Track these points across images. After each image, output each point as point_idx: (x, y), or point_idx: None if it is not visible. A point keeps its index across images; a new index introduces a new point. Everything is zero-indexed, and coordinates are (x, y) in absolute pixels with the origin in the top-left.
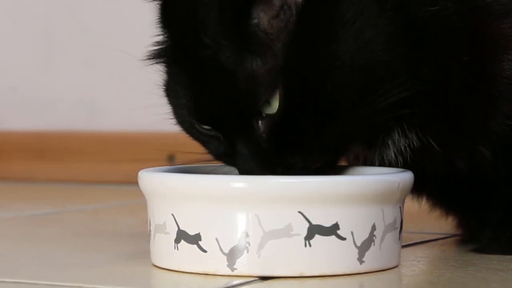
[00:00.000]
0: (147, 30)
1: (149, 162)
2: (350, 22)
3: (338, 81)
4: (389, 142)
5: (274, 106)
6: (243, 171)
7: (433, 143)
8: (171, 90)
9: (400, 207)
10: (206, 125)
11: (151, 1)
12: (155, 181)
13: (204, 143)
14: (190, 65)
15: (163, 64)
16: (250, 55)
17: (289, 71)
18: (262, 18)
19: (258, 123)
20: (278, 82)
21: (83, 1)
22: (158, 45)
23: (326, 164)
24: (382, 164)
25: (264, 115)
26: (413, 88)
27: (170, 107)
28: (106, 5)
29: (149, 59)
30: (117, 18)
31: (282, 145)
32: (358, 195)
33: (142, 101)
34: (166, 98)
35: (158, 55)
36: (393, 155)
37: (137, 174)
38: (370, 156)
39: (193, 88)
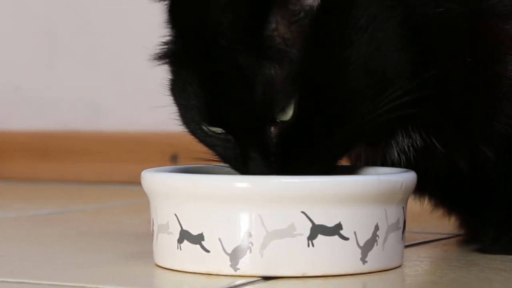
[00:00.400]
0: (150, 30)
1: (152, 162)
2: (363, 27)
3: (351, 86)
4: (392, 142)
5: (289, 113)
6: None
7: (436, 143)
8: (179, 91)
9: (403, 207)
10: (218, 127)
11: (157, 1)
12: (158, 181)
13: (209, 145)
14: (203, 68)
15: (170, 64)
16: (267, 61)
17: (305, 78)
18: (279, 23)
19: (271, 128)
20: (295, 90)
21: (85, 1)
22: (164, 45)
23: (328, 165)
24: (384, 163)
25: (278, 121)
26: (419, 89)
27: (176, 108)
28: (108, 5)
29: (155, 59)
30: (119, 18)
31: (292, 150)
32: (361, 195)
33: (144, 101)
34: (172, 98)
35: (165, 55)
36: (396, 154)
37: (140, 174)
38: (373, 155)
39: (206, 91)
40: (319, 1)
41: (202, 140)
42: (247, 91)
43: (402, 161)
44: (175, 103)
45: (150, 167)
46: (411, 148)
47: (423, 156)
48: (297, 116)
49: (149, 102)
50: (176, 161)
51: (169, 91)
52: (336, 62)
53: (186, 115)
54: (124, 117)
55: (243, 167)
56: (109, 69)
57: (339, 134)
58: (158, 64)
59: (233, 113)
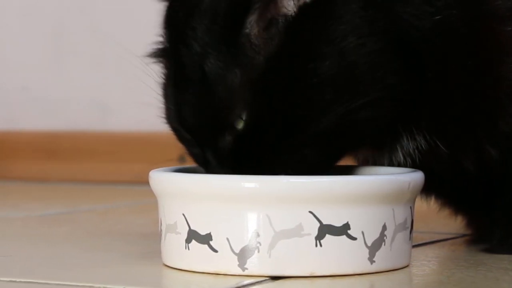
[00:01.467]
0: (156, 30)
1: (160, 162)
2: (337, 41)
3: (314, 99)
4: (397, 146)
5: (247, 120)
6: None
7: (440, 145)
8: (164, 89)
9: (410, 207)
10: (183, 129)
11: (161, 1)
12: (166, 181)
13: (182, 143)
14: (176, 70)
15: (161, 63)
16: (234, 67)
17: (266, 87)
18: (253, 28)
19: (229, 135)
20: (255, 99)
21: (93, 2)
22: (158, 45)
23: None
24: (390, 165)
25: (236, 127)
26: (410, 100)
27: (163, 105)
28: (116, 5)
29: (150, 56)
30: (127, 18)
31: (246, 157)
32: (369, 195)
33: (152, 101)
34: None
35: (157, 54)
36: (401, 156)
37: (148, 174)
38: (379, 158)
39: (176, 93)
40: (296, 10)
41: (179, 139)
42: (207, 96)
43: (408, 163)
44: (163, 100)
45: (158, 167)
46: (416, 150)
47: (428, 158)
48: (254, 124)
49: (156, 102)
50: (184, 161)
51: (161, 88)
52: (301, 73)
53: (167, 113)
54: (131, 117)
55: (204, 167)
56: (116, 69)
57: (296, 145)
58: (150, 62)
59: (193, 117)
